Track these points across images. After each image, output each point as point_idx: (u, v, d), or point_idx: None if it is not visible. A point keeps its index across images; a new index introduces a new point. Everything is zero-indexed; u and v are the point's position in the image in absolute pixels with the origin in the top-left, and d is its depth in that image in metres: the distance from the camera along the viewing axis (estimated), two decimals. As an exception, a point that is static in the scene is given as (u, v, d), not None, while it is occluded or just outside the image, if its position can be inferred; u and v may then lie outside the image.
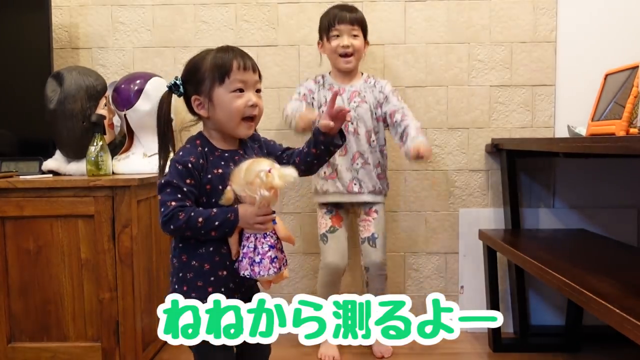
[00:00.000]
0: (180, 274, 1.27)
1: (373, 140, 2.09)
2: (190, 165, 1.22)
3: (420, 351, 2.18)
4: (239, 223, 1.22)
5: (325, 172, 2.10)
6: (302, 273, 2.43)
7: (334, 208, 2.12)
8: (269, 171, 1.16)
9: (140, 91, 2.07)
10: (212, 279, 1.25)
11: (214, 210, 1.22)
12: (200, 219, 1.19)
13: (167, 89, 1.36)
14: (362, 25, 2.07)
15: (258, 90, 1.30)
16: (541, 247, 1.93)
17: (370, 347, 2.17)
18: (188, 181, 1.22)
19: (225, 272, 1.25)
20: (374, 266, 2.07)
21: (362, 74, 2.16)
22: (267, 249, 1.22)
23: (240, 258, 1.24)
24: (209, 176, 1.24)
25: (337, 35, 2.04)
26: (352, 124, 2.06)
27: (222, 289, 1.24)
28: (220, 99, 1.26)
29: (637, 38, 2.28)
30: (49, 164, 2.06)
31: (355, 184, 2.07)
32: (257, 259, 1.22)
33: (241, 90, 1.26)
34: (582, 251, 1.91)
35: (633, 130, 1.71)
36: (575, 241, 2.07)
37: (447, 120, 2.37)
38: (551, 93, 2.35)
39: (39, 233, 1.86)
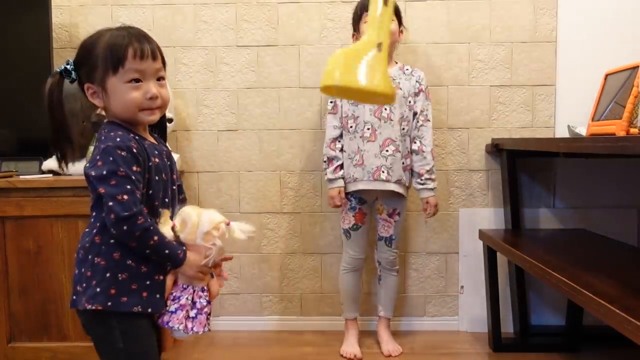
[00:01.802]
0: (108, 274, 1.09)
1: (404, 128, 2.09)
2: (134, 150, 1.09)
3: (421, 351, 2.18)
4: (181, 267, 1.11)
5: (352, 159, 2.08)
6: (302, 273, 2.43)
7: (358, 204, 2.12)
8: (228, 224, 1.11)
9: (140, 91, 2.07)
10: (147, 282, 1.10)
11: (167, 239, 1.11)
12: (155, 238, 1.07)
13: (57, 73, 1.16)
14: (396, 10, 2.07)
15: (160, 79, 1.16)
16: (541, 247, 1.93)
17: (379, 345, 2.18)
18: (135, 168, 1.08)
19: (162, 277, 1.12)
20: (386, 262, 2.17)
21: (397, 62, 2.16)
22: (205, 303, 1.13)
23: (172, 309, 1.11)
24: (150, 164, 1.12)
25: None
26: (385, 109, 2.04)
27: (157, 295, 1.10)
28: (114, 90, 1.12)
29: (637, 38, 2.28)
30: (49, 164, 2.06)
31: (383, 172, 2.04)
32: (193, 313, 1.11)
33: (138, 81, 1.12)
34: (582, 251, 1.91)
35: (633, 130, 1.71)
36: (575, 241, 2.07)
37: (447, 120, 2.37)
38: (551, 93, 2.35)
39: (39, 233, 1.86)
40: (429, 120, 2.12)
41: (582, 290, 1.33)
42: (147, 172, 1.11)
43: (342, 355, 2.11)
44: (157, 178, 1.13)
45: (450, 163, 2.38)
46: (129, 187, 1.06)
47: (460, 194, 2.39)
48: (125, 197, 1.05)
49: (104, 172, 1.06)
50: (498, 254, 2.17)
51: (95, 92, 1.14)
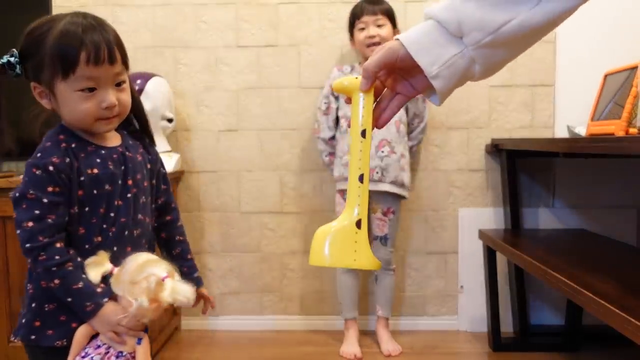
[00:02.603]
0: (34, 304, 0.98)
1: (402, 130, 2.12)
2: (52, 167, 0.95)
3: (421, 350, 2.18)
4: (94, 321, 0.95)
5: (342, 158, 2.13)
6: (301, 273, 2.43)
7: None
8: (163, 279, 0.92)
9: (140, 91, 2.07)
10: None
11: (81, 283, 0.94)
12: (56, 281, 0.93)
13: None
14: (388, 14, 2.10)
15: (120, 84, 1.01)
16: (541, 247, 1.94)
17: (379, 345, 2.18)
18: (50, 189, 0.94)
19: None
20: (381, 261, 2.15)
21: None
22: None
23: None
24: (82, 178, 0.98)
25: (363, 28, 2.08)
26: None
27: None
28: (63, 97, 0.97)
29: (637, 38, 2.28)
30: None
31: (377, 172, 2.08)
32: None
33: (92, 90, 0.97)
34: (582, 251, 1.91)
35: (632, 130, 1.71)
36: (575, 241, 2.08)
37: (447, 120, 2.37)
38: (551, 93, 2.35)
39: (39, 233, 1.86)
40: (423, 122, 2.21)
41: (582, 290, 1.33)
42: (79, 187, 0.97)
43: (342, 355, 2.12)
44: (95, 192, 0.99)
45: (450, 163, 2.38)
46: (37, 212, 0.93)
47: (460, 194, 2.39)
48: (31, 224, 0.93)
49: (17, 195, 0.95)
50: (498, 253, 2.17)
51: (43, 92, 1.00)
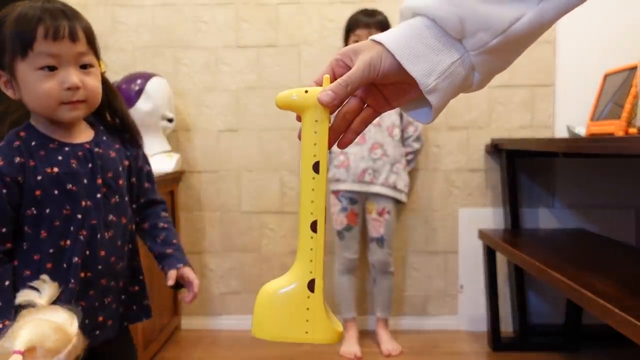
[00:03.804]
0: None
1: (396, 135, 2.14)
2: None
3: (420, 350, 2.19)
4: None
5: (338, 160, 2.14)
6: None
7: (349, 204, 2.14)
8: (21, 353, 0.65)
9: (140, 91, 2.08)
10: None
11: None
12: None
13: None
14: (382, 26, 2.10)
15: (87, 66, 0.96)
16: (541, 247, 1.94)
17: (379, 345, 2.18)
18: None
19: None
20: (379, 263, 2.18)
21: None
22: None
23: None
24: (39, 177, 0.93)
25: (357, 40, 2.08)
26: None
27: None
28: (24, 80, 0.93)
29: (637, 38, 2.28)
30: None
31: (368, 174, 2.10)
32: None
33: (52, 68, 0.92)
34: (581, 251, 1.91)
35: (632, 130, 1.71)
36: (575, 241, 2.08)
37: (447, 120, 2.37)
38: (550, 93, 2.36)
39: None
40: (417, 131, 2.20)
41: (582, 290, 1.34)
42: (36, 187, 0.93)
43: (342, 355, 2.12)
44: (55, 192, 0.94)
45: (450, 163, 2.39)
46: None
47: (460, 193, 2.40)
48: None
49: None
50: (497, 253, 2.17)
51: (7, 80, 0.95)
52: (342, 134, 0.59)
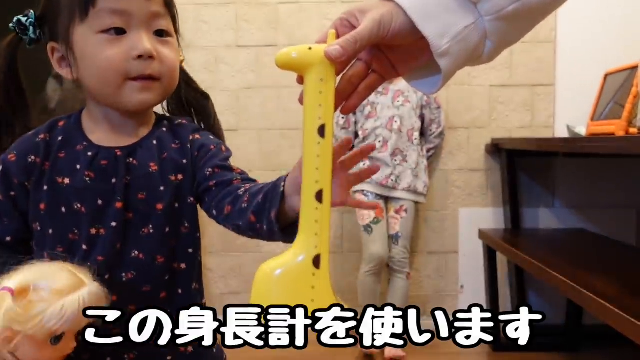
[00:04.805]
0: None
1: (415, 139, 2.14)
2: (2, 166, 0.72)
3: (421, 350, 2.17)
4: None
5: (363, 164, 2.11)
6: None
7: (375, 199, 2.15)
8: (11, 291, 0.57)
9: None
10: None
11: None
12: None
13: (12, 30, 0.77)
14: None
15: (163, 33, 0.71)
16: (541, 247, 1.94)
17: (382, 350, 2.14)
18: None
19: None
20: (394, 261, 2.15)
21: None
22: None
23: None
24: (45, 187, 0.71)
25: None
26: (396, 121, 2.12)
27: None
28: (83, 47, 0.69)
29: (637, 38, 2.28)
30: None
31: (391, 179, 2.11)
32: None
33: (120, 32, 0.68)
34: (581, 251, 1.91)
35: (632, 130, 1.71)
36: (575, 241, 2.08)
37: (447, 120, 2.37)
38: (551, 93, 2.35)
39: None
40: (440, 127, 2.22)
41: (582, 290, 1.33)
42: (42, 200, 0.71)
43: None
44: (63, 210, 0.70)
45: (450, 163, 2.38)
46: None
47: (460, 193, 2.39)
48: None
49: None
50: (498, 253, 2.17)
51: (63, 56, 0.72)
52: (346, 99, 0.54)
